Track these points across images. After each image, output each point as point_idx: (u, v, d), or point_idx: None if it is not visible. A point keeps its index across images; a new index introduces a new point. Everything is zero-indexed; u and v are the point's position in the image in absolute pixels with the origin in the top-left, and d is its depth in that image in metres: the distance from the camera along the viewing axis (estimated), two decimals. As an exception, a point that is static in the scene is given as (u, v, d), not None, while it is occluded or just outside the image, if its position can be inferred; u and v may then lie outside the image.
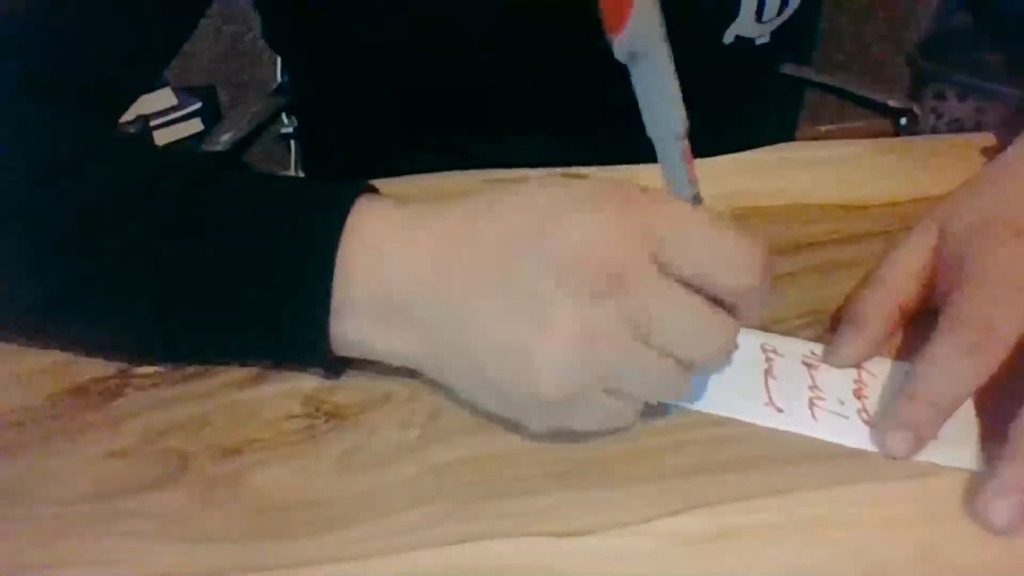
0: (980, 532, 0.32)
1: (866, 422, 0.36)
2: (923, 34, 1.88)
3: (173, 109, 1.61)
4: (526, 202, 0.35)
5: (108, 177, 0.38)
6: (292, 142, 1.02)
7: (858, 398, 0.38)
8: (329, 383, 0.39)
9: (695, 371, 0.34)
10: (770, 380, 0.38)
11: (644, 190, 0.34)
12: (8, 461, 0.36)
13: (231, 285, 0.37)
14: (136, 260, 0.36)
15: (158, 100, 1.58)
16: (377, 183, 0.39)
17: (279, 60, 0.96)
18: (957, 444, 0.35)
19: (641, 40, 0.34)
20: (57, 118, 0.42)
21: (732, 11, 0.55)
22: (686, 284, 0.33)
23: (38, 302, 0.39)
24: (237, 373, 0.40)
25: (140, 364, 0.40)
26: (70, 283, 0.38)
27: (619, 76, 0.35)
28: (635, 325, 0.32)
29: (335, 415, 0.38)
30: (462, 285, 0.34)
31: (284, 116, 0.97)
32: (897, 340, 0.40)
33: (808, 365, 0.39)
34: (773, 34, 0.58)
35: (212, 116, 1.67)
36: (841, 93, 0.90)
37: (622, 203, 0.33)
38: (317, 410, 0.38)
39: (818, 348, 0.40)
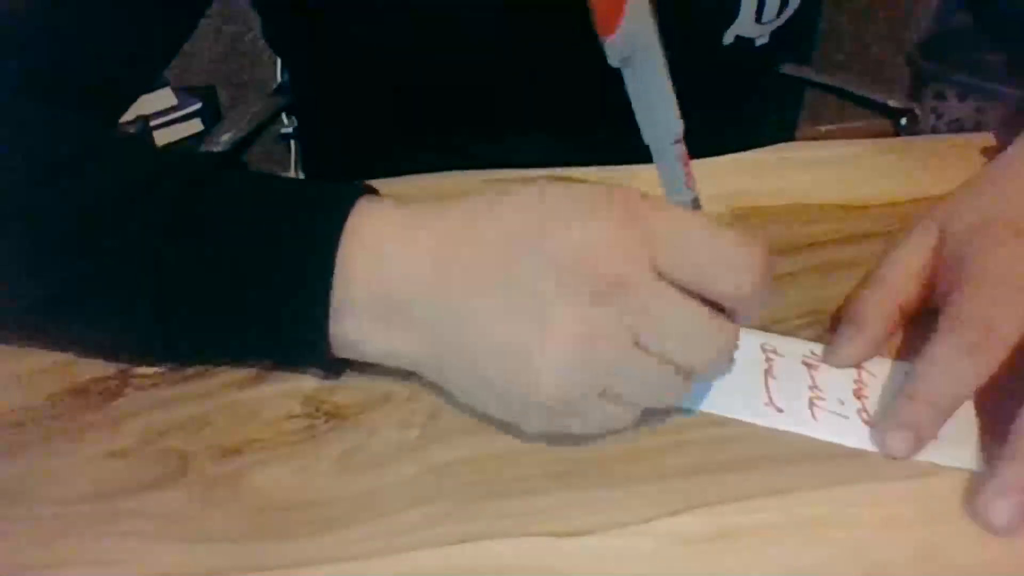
0: (980, 532, 0.32)
1: (866, 422, 0.36)
2: (923, 34, 1.88)
3: (173, 109, 1.61)
4: (526, 202, 0.35)
5: (108, 177, 0.38)
6: (292, 142, 1.03)
7: (858, 398, 0.38)
8: (329, 383, 0.39)
9: (695, 378, 0.34)
10: (770, 380, 0.39)
11: (644, 195, 0.34)
12: (8, 461, 0.36)
13: (231, 285, 0.37)
14: (136, 260, 0.36)
15: (158, 100, 1.58)
16: (377, 183, 0.39)
17: (279, 60, 0.96)
18: (957, 444, 0.35)
19: (634, 43, 0.34)
20: (57, 118, 0.42)
21: (732, 12, 0.55)
22: (685, 288, 0.33)
23: (38, 302, 0.39)
24: (237, 373, 0.40)
25: (140, 364, 0.40)
26: (70, 283, 0.38)
27: (619, 76, 0.35)
28: (635, 327, 0.32)
29: (335, 415, 0.38)
30: (462, 285, 0.34)
31: (284, 116, 0.97)
32: (897, 340, 0.40)
33: (808, 365, 0.39)
34: (773, 35, 0.58)
35: (212, 116, 1.67)
36: (841, 93, 0.90)
37: (622, 206, 0.33)
38: (317, 410, 0.38)
39: (818, 348, 0.40)
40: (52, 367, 0.40)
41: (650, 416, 0.36)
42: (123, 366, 0.40)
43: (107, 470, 0.35)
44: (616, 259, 0.32)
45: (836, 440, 0.36)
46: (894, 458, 0.35)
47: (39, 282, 0.38)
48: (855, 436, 0.36)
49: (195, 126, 1.64)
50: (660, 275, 0.33)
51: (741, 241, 0.33)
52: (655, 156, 0.37)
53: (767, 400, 0.38)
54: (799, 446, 0.36)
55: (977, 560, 0.31)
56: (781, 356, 0.40)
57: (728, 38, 0.57)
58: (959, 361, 0.35)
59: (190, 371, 0.40)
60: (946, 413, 0.35)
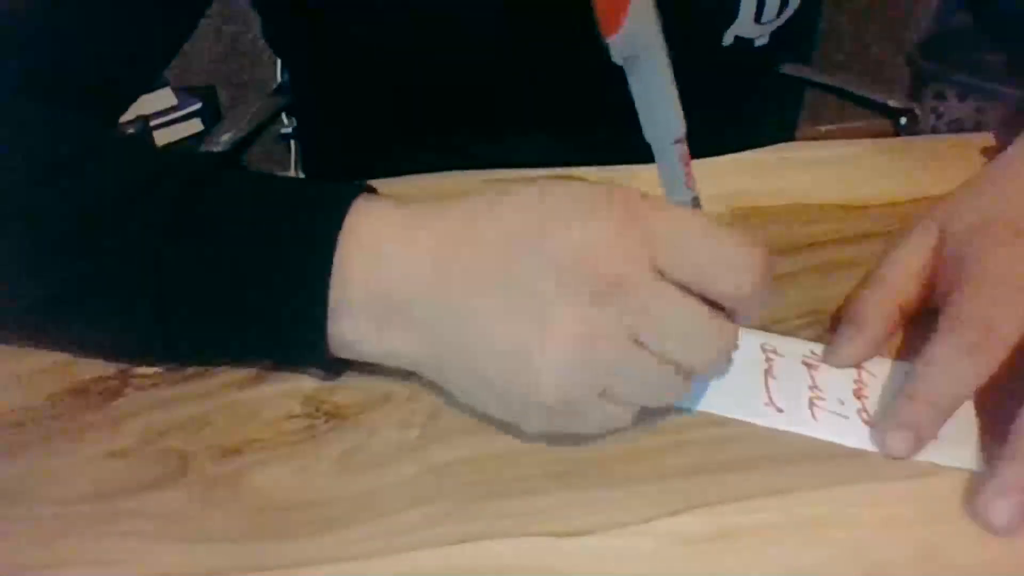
0: (980, 532, 0.32)
1: (866, 422, 0.36)
2: (923, 34, 1.88)
3: (173, 109, 1.61)
4: (526, 202, 0.35)
5: (108, 177, 0.39)
6: (292, 142, 1.03)
7: (858, 398, 0.38)
8: (329, 383, 0.39)
9: (695, 378, 0.34)
10: (770, 380, 0.38)
11: (644, 195, 0.34)
12: (8, 461, 0.36)
13: (231, 285, 0.37)
14: (136, 260, 0.36)
15: (158, 100, 1.58)
16: (377, 183, 0.39)
17: (279, 60, 0.96)
18: (957, 444, 0.35)
19: (637, 42, 0.34)
20: (57, 118, 0.42)
21: (731, 12, 0.55)
22: (685, 288, 0.33)
23: (38, 302, 0.39)
24: (237, 373, 0.40)
25: (140, 364, 0.40)
26: (70, 283, 0.38)
27: (619, 76, 0.35)
28: (635, 327, 0.32)
29: (335, 415, 0.38)
30: (462, 285, 0.34)
31: (284, 116, 0.97)
32: (897, 340, 0.40)
33: (808, 365, 0.39)
34: (773, 35, 0.58)
35: (212, 116, 1.67)
36: (841, 93, 0.90)
37: (622, 206, 0.33)
38: (317, 410, 0.38)
39: (818, 348, 0.40)
40: (52, 367, 0.40)
41: (650, 416, 0.36)
42: (123, 366, 0.40)
43: (107, 470, 0.35)
44: (616, 259, 0.32)
45: (836, 440, 0.36)
46: (894, 458, 0.35)
47: (39, 282, 0.38)
48: (855, 436, 0.36)
49: (195, 126, 1.64)
50: (660, 275, 0.33)
51: (741, 241, 0.33)
52: (656, 156, 0.37)
53: (767, 400, 0.38)
54: (799, 446, 0.36)
55: (977, 560, 0.31)
56: (781, 356, 0.40)
57: (728, 38, 0.57)
58: (959, 361, 0.35)
59: (190, 371, 0.40)
60: (946, 413, 0.35)
